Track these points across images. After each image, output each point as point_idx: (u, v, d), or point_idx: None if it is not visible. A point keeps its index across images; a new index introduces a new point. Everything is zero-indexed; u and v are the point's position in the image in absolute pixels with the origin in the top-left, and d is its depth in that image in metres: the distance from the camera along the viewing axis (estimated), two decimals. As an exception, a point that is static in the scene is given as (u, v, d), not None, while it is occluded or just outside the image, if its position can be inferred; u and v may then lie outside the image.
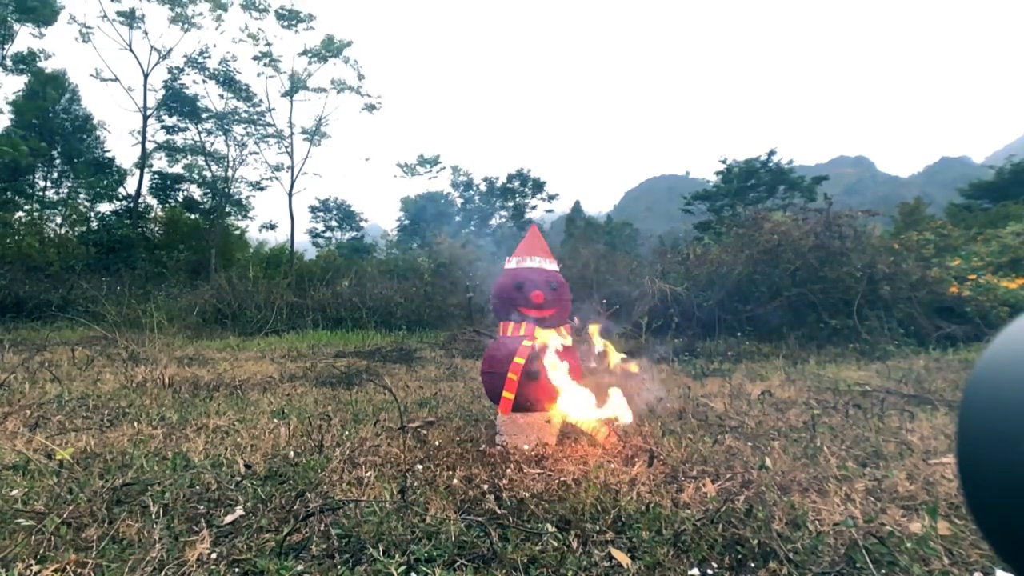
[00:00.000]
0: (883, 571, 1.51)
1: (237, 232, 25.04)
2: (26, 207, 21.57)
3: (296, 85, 23.06)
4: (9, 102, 20.66)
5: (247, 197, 24.76)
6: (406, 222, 32.47)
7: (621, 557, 1.57)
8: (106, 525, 1.74)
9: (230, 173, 23.62)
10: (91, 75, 20.63)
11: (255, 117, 23.31)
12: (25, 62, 20.42)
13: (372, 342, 8.82)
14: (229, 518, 1.82)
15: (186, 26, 21.30)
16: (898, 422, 3.19)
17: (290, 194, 23.49)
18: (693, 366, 5.68)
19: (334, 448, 2.62)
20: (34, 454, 2.40)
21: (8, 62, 20.03)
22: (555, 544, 1.64)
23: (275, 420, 3.24)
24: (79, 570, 1.48)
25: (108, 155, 22.60)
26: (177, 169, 23.37)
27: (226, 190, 23.47)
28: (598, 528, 1.76)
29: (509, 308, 3.03)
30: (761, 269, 8.38)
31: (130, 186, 22.55)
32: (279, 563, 1.51)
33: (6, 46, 19.74)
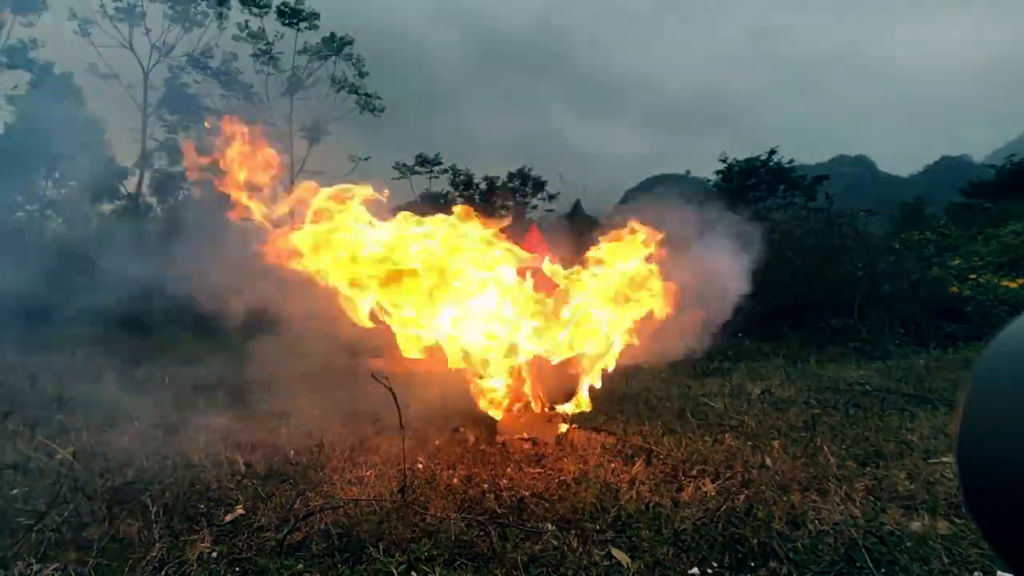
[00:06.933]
0: (883, 571, 1.51)
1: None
2: (26, 207, 21.55)
3: (296, 84, 23.03)
4: (9, 99, 20.62)
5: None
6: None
7: (621, 556, 1.57)
8: (106, 524, 1.74)
9: (230, 173, 23.61)
10: (86, 70, 20.61)
11: (255, 116, 23.31)
12: (18, 55, 20.34)
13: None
14: (229, 517, 1.82)
15: (187, 24, 21.29)
16: (898, 421, 3.19)
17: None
18: (693, 365, 5.67)
19: (334, 447, 2.62)
20: (35, 453, 2.40)
21: (2, 57, 19.96)
22: (555, 543, 1.64)
23: (275, 420, 3.24)
24: (80, 569, 1.48)
25: (109, 154, 22.59)
26: (178, 168, 23.36)
27: (227, 189, 23.46)
28: (598, 527, 1.76)
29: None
30: (761, 269, 8.37)
31: (130, 185, 22.56)
32: (279, 562, 1.51)
33: None
